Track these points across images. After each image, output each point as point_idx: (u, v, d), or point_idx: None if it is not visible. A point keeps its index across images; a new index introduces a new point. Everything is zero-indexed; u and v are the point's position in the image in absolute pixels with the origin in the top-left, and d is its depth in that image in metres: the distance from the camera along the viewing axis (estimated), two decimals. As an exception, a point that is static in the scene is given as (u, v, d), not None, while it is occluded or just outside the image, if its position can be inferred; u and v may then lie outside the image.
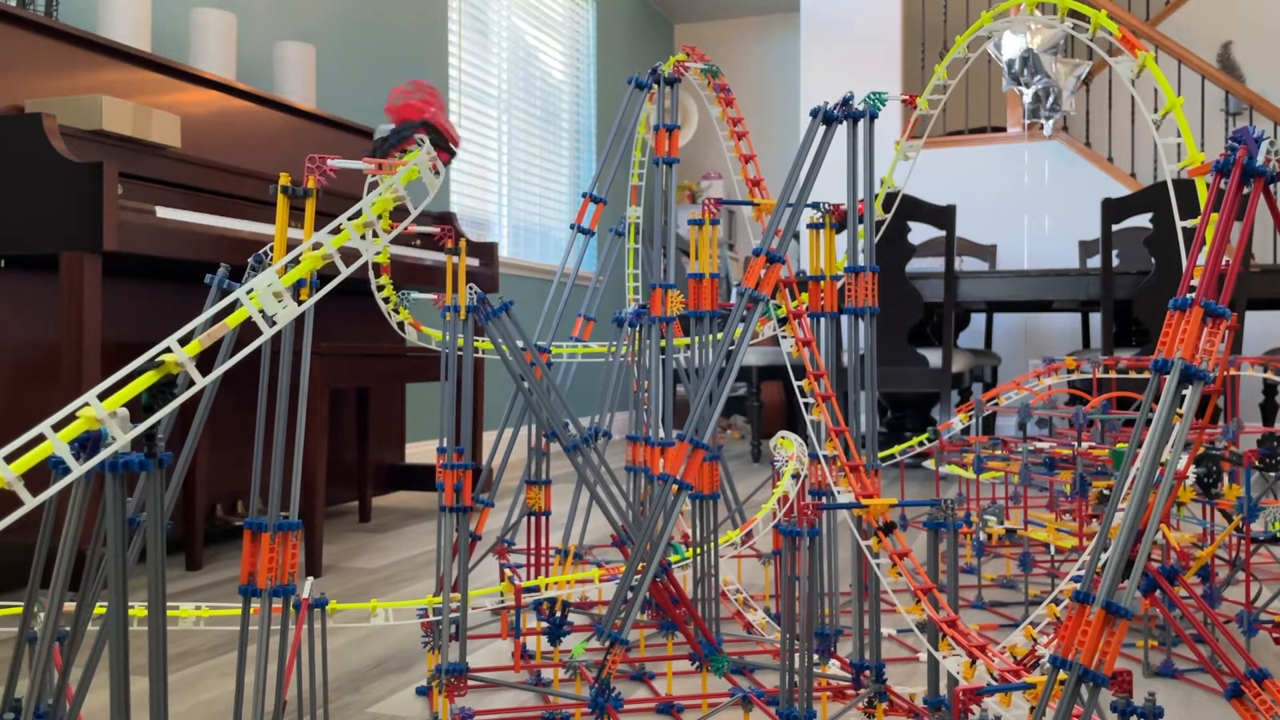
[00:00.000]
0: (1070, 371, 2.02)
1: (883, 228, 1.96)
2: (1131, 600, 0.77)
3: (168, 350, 0.72)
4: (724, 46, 7.06)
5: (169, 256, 2.07)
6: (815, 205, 1.41)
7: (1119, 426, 2.07)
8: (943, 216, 3.72)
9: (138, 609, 1.28)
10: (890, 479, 3.94)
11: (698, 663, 1.30)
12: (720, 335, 1.33)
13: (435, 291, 3.16)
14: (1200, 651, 0.92)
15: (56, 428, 0.66)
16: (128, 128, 2.17)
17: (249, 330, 2.59)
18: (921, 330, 4.62)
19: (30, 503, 0.64)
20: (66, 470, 0.67)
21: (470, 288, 1.32)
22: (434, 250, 2.98)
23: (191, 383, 1.04)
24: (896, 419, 4.44)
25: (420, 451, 4.07)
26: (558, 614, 1.48)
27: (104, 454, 0.67)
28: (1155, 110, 6.43)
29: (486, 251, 3.20)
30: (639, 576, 1.21)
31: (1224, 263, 0.85)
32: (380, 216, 0.88)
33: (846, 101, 1.30)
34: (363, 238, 0.86)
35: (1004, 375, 5.49)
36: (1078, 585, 0.80)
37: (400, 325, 1.89)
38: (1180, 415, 0.80)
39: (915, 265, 4.85)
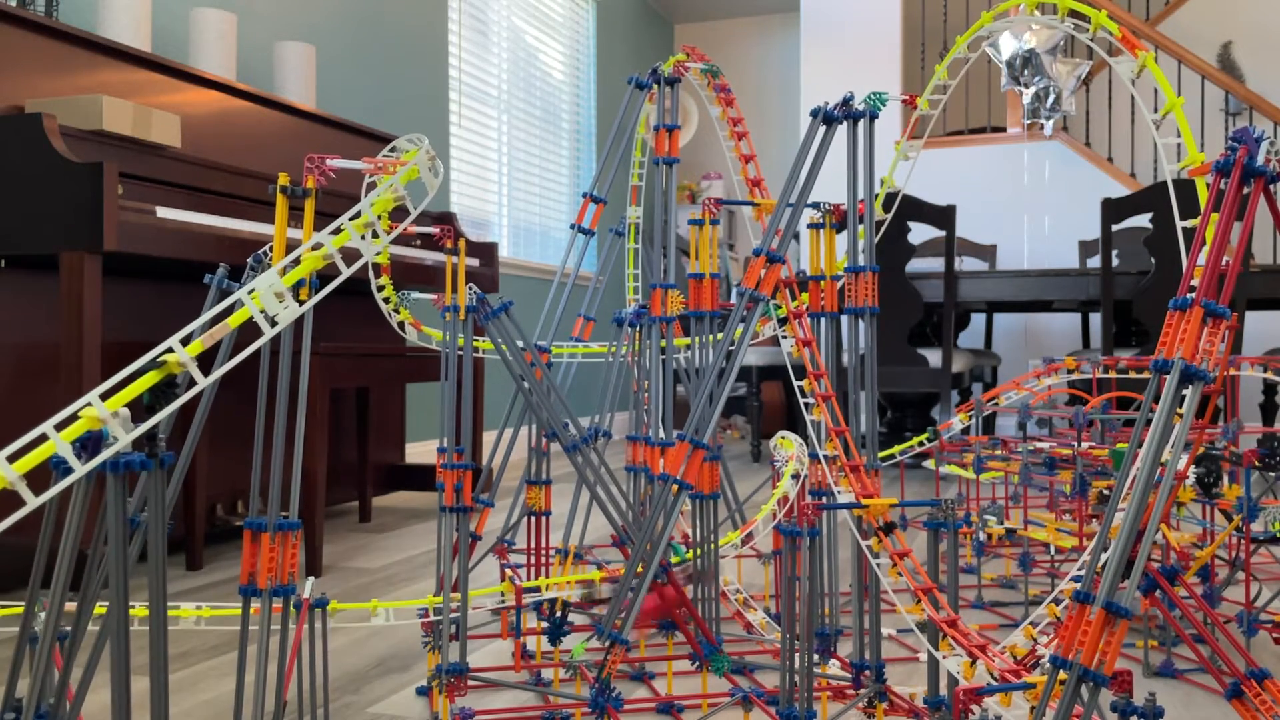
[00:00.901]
0: (1070, 371, 2.02)
1: (883, 228, 1.96)
2: (1131, 600, 0.77)
3: (169, 350, 0.72)
4: (724, 46, 7.06)
5: (169, 256, 2.07)
6: (815, 205, 1.41)
7: (1119, 426, 2.07)
8: (943, 216, 3.72)
9: (138, 609, 1.28)
10: (890, 479, 3.94)
11: (698, 663, 1.30)
12: (720, 335, 1.33)
13: (435, 291, 3.16)
14: (1200, 651, 0.92)
15: (59, 427, 0.66)
16: (128, 128, 2.17)
17: (248, 330, 2.59)
18: (921, 330, 4.62)
19: (33, 502, 0.64)
20: (68, 470, 0.67)
21: (470, 288, 1.32)
22: (434, 250, 2.98)
23: (192, 383, 1.04)
24: (896, 419, 4.44)
25: (420, 451, 4.07)
26: (558, 614, 1.48)
27: (106, 454, 0.67)
28: (1155, 110, 6.43)
29: (486, 251, 3.20)
30: (639, 576, 1.21)
31: (1224, 263, 0.85)
32: (380, 217, 0.88)
33: (846, 102, 1.30)
34: (363, 238, 0.86)
35: (1004, 375, 5.49)
36: (1078, 585, 0.80)
37: (400, 325, 1.89)
38: (1180, 415, 0.80)
39: (915, 265, 4.85)
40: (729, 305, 1.37)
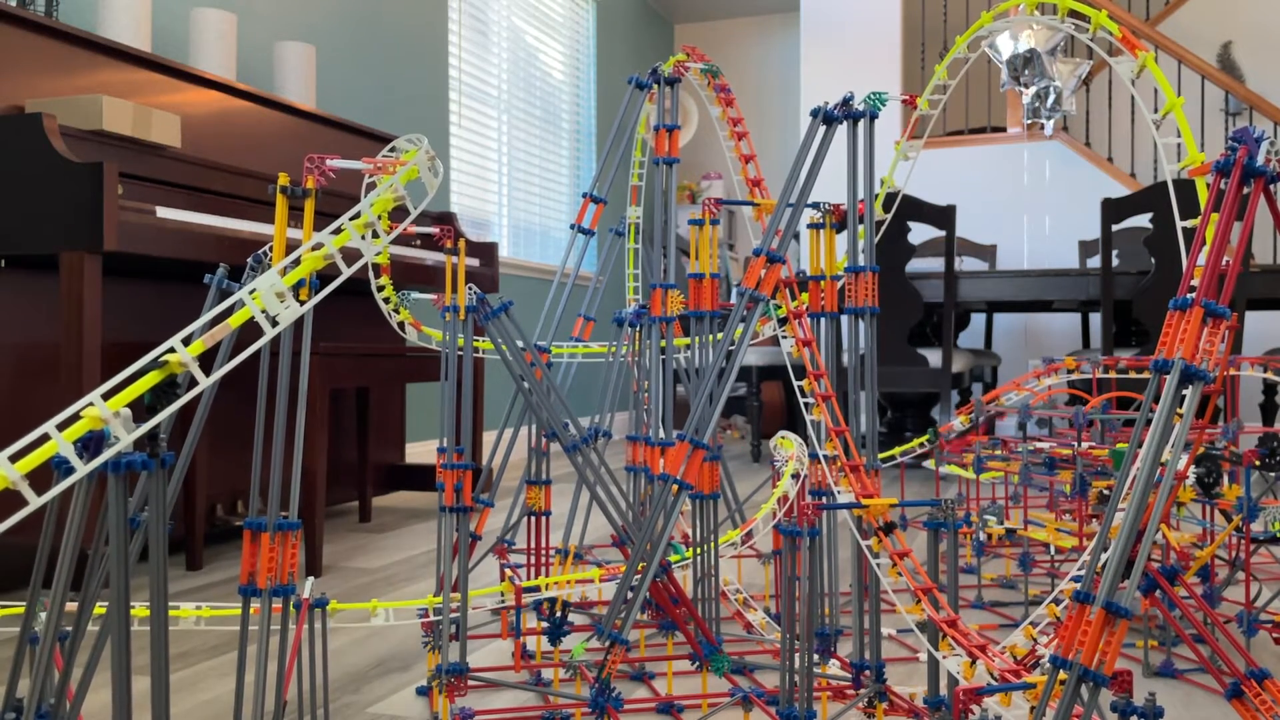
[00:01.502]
0: (1070, 371, 2.02)
1: (883, 228, 1.96)
2: (1131, 600, 0.77)
3: (171, 350, 0.72)
4: (724, 46, 7.06)
5: (169, 256, 2.07)
6: (815, 205, 1.41)
7: (1119, 426, 2.07)
8: (943, 216, 3.72)
9: (139, 609, 1.28)
10: (890, 479, 3.94)
11: (698, 663, 1.30)
12: (720, 335, 1.33)
13: (435, 291, 3.16)
14: (1200, 651, 0.93)
15: (61, 427, 0.66)
16: (128, 128, 2.17)
17: (248, 330, 2.59)
18: (921, 330, 4.62)
19: (35, 502, 0.64)
20: (70, 470, 0.67)
21: (470, 288, 1.32)
22: (434, 250, 2.98)
23: (193, 383, 1.04)
24: (896, 419, 4.44)
25: (420, 451, 4.07)
26: (558, 614, 1.48)
27: (108, 454, 0.67)
28: (1155, 110, 6.43)
29: (486, 251, 3.20)
30: (639, 576, 1.21)
31: (1224, 263, 0.85)
32: (380, 217, 0.88)
33: (846, 102, 1.30)
34: (363, 238, 0.86)
35: (1004, 375, 5.49)
36: (1078, 585, 0.80)
37: (400, 325, 1.89)
38: (1180, 415, 0.80)
39: (915, 265, 4.85)
40: (729, 305, 1.37)
